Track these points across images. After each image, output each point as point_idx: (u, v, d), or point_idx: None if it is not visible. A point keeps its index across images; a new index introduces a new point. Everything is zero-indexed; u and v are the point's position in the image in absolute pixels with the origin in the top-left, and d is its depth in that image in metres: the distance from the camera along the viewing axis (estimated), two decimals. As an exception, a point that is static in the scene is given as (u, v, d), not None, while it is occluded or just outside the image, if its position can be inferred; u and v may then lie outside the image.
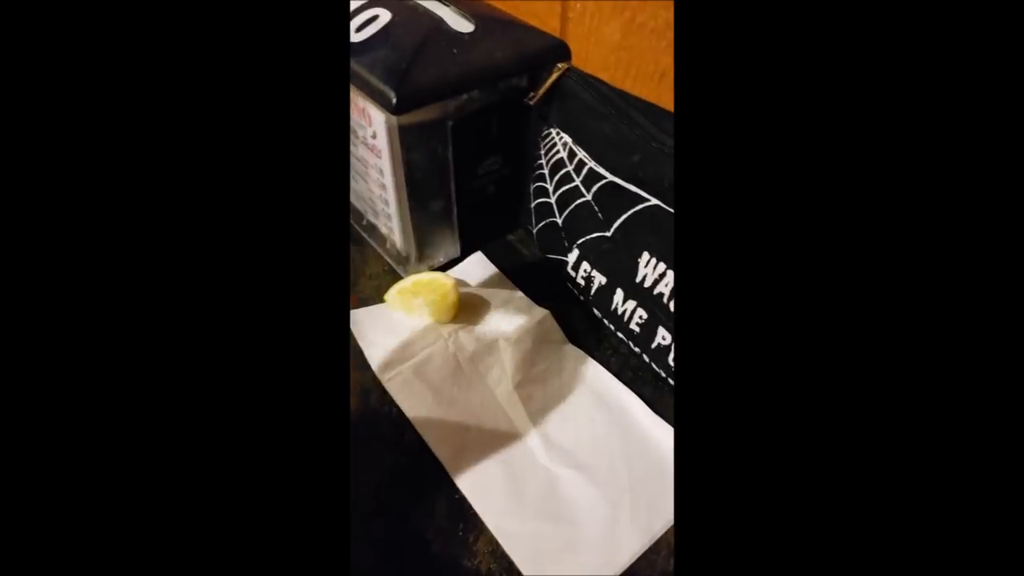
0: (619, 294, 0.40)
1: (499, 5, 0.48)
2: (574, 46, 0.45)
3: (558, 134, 0.43)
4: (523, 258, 0.51)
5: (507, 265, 0.50)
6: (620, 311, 0.41)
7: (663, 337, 0.38)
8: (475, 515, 0.35)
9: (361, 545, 0.34)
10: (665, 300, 0.37)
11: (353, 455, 0.37)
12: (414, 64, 0.38)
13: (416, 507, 0.35)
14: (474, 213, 0.48)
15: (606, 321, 0.43)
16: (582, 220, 0.42)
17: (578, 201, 0.42)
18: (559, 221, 0.44)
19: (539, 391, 0.40)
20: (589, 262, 0.42)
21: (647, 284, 0.38)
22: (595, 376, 0.42)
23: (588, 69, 0.42)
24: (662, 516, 0.34)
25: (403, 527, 0.35)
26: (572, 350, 0.43)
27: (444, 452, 0.37)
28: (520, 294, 0.47)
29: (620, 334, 0.42)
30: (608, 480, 0.36)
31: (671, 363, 0.39)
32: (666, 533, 0.34)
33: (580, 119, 0.41)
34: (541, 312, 0.45)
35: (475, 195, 0.46)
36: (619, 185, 0.38)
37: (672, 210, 0.36)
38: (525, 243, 0.52)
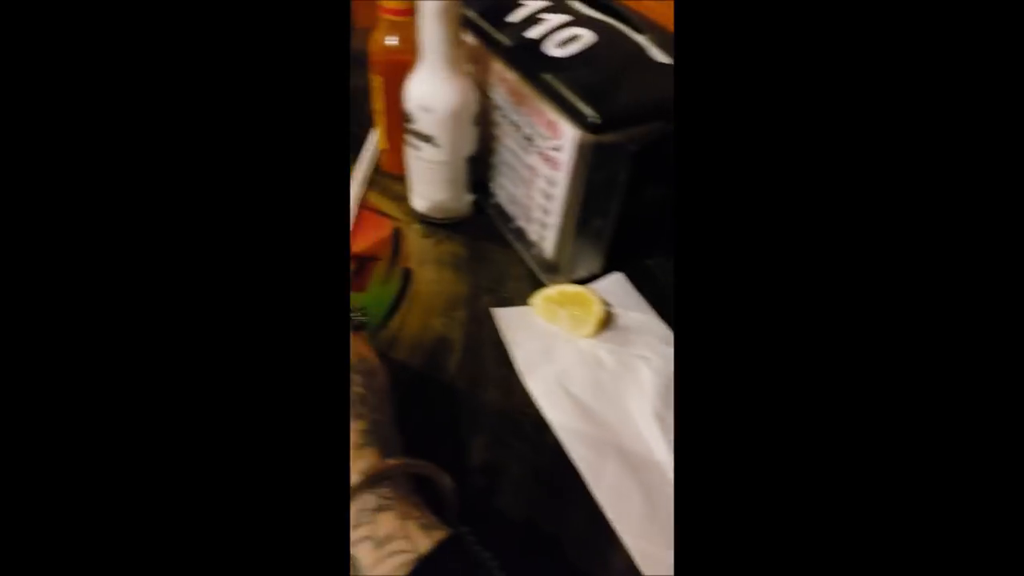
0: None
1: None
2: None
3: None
4: (658, 283, 0.52)
5: (643, 288, 0.51)
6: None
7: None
8: (611, 529, 0.36)
9: (497, 542, 0.35)
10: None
11: (494, 450, 0.39)
12: (615, 87, 0.39)
13: (554, 510, 0.37)
14: (626, 235, 0.49)
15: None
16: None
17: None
18: (718, 257, 0.45)
19: (677, 420, 0.41)
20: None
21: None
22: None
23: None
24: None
25: (540, 529, 0.36)
26: (711, 386, 0.44)
27: (583, 461, 0.38)
28: (660, 322, 0.48)
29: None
30: (744, 522, 0.36)
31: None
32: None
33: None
34: (682, 342, 0.45)
35: (632, 218, 0.47)
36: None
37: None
38: (662, 269, 0.53)
